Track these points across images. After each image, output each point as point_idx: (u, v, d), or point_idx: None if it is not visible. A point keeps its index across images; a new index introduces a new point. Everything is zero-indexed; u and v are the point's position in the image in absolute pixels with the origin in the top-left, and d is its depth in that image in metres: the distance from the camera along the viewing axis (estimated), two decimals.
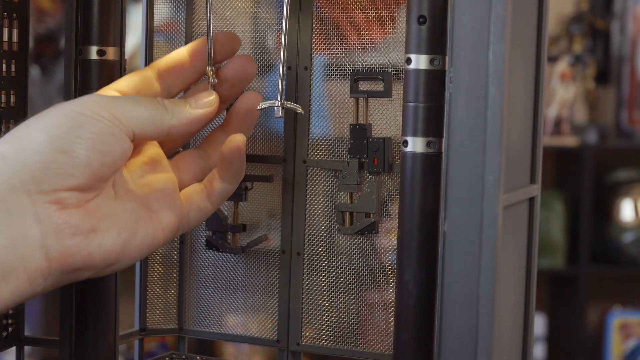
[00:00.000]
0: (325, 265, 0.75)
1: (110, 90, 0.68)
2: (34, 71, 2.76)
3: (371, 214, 0.73)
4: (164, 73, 0.70)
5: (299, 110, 0.70)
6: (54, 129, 0.62)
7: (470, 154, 0.57)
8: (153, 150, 0.69)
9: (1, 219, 0.59)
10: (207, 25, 0.70)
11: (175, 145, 0.72)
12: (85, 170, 0.61)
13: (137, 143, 0.67)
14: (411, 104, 0.63)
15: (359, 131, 0.72)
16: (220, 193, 0.70)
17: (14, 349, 0.76)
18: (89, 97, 0.65)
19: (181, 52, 0.71)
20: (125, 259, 0.64)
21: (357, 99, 0.73)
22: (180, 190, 0.69)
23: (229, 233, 0.77)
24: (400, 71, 0.71)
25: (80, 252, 0.61)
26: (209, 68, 0.70)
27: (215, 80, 0.70)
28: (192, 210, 0.69)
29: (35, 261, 0.60)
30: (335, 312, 0.75)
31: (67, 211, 0.61)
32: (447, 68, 0.59)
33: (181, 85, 0.71)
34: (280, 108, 0.69)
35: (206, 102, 0.68)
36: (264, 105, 0.69)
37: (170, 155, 0.71)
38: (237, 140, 0.68)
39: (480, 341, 0.56)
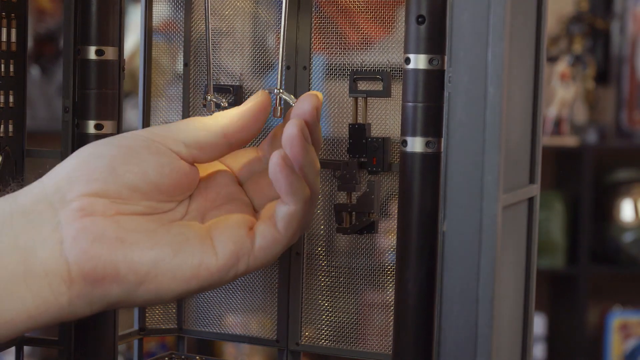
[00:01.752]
0: (324, 265, 0.75)
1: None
2: (34, 71, 2.77)
3: (370, 214, 0.72)
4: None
5: (294, 101, 0.69)
6: (84, 150, 0.62)
7: (469, 154, 0.57)
8: (232, 188, 0.66)
9: (21, 225, 0.59)
10: (206, 25, 0.70)
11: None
12: (109, 176, 0.60)
13: (210, 172, 0.65)
14: (410, 103, 0.63)
15: (358, 131, 0.72)
16: (285, 216, 0.62)
17: (13, 349, 0.76)
18: (160, 127, 0.64)
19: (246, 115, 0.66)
20: (161, 279, 0.60)
21: (356, 99, 0.73)
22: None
23: None
24: (399, 71, 0.71)
25: (101, 258, 0.59)
26: (211, 93, 0.70)
27: (220, 103, 0.69)
28: (255, 238, 0.62)
29: (55, 265, 0.58)
30: (335, 311, 0.75)
31: (90, 218, 0.59)
32: (446, 68, 0.58)
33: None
34: (279, 108, 0.69)
35: (254, 97, 0.65)
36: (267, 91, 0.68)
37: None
38: (274, 157, 0.61)
39: (479, 341, 0.56)
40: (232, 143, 0.65)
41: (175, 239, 0.60)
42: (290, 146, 0.61)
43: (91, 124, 0.73)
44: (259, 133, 0.67)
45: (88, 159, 0.61)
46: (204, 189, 0.65)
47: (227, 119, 0.64)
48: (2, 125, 0.74)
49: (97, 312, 0.61)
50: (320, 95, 0.66)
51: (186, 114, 0.78)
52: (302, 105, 0.64)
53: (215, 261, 0.61)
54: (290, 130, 0.61)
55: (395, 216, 0.65)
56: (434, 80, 0.62)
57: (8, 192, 0.61)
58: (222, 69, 0.77)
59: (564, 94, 2.76)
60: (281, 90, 0.68)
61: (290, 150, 0.61)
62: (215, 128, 0.64)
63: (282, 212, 0.62)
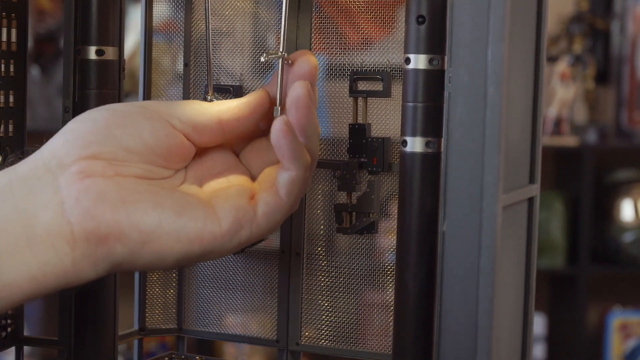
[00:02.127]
0: (324, 265, 0.75)
1: None
2: (34, 71, 2.77)
3: (370, 214, 0.72)
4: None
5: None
6: (79, 117, 0.62)
7: (469, 153, 0.57)
8: (227, 156, 0.66)
9: (21, 191, 0.59)
10: (206, 24, 0.70)
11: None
12: (105, 138, 0.60)
13: (204, 147, 0.65)
14: (410, 103, 0.63)
15: (358, 131, 0.72)
16: (286, 183, 0.62)
17: (13, 349, 0.76)
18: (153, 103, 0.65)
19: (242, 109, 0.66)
20: (165, 239, 0.59)
21: (356, 99, 0.73)
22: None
23: None
24: (399, 71, 0.71)
25: (104, 217, 0.58)
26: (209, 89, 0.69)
27: (214, 99, 0.69)
28: (257, 206, 0.62)
29: (58, 226, 0.58)
30: (335, 312, 0.75)
31: (90, 179, 0.59)
32: (446, 68, 0.59)
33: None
34: (279, 108, 0.69)
35: (254, 93, 0.65)
36: (269, 57, 0.67)
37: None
38: (278, 123, 0.61)
39: (479, 341, 0.56)
40: (225, 131, 0.65)
41: (177, 202, 0.60)
42: (296, 107, 0.62)
43: None
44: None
45: (83, 123, 0.61)
46: (200, 158, 0.65)
47: (224, 105, 0.65)
48: (2, 125, 0.74)
49: (102, 276, 0.60)
50: (312, 56, 0.66)
51: None
52: (302, 67, 0.64)
53: (219, 227, 0.60)
54: (298, 91, 0.62)
55: (395, 216, 0.65)
56: (434, 80, 0.62)
57: (8, 166, 0.61)
58: (222, 69, 0.77)
59: (564, 94, 2.76)
60: (284, 53, 0.67)
61: (296, 112, 0.62)
62: (210, 111, 0.64)
63: (284, 178, 0.62)
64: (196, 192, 0.63)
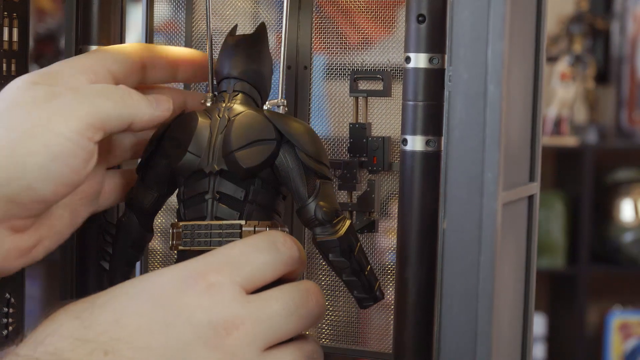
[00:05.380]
0: (324, 264, 0.75)
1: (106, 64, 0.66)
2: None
3: (370, 213, 0.73)
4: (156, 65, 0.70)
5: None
6: (24, 158, 0.60)
7: (469, 151, 0.57)
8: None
9: None
10: (207, 24, 0.70)
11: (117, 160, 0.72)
12: (47, 204, 0.62)
13: None
14: (410, 102, 0.63)
15: (359, 130, 0.72)
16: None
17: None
18: (65, 95, 0.62)
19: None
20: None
21: (356, 98, 0.73)
22: None
23: None
24: (399, 70, 0.71)
25: (25, 264, 0.65)
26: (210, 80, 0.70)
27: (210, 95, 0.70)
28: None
29: None
30: (335, 310, 0.75)
31: (19, 235, 0.63)
32: (446, 66, 0.59)
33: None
34: (281, 106, 0.69)
35: (166, 107, 0.66)
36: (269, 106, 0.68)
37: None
38: None
39: (479, 339, 0.57)
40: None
41: (63, 224, 0.68)
42: None
43: None
44: None
45: (32, 184, 0.61)
46: None
47: (139, 121, 0.65)
48: None
49: None
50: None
51: None
52: None
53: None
54: None
55: (396, 215, 0.65)
56: (434, 78, 0.62)
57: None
58: None
59: (564, 94, 2.77)
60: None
61: None
62: (124, 126, 0.64)
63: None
64: (72, 204, 0.68)
